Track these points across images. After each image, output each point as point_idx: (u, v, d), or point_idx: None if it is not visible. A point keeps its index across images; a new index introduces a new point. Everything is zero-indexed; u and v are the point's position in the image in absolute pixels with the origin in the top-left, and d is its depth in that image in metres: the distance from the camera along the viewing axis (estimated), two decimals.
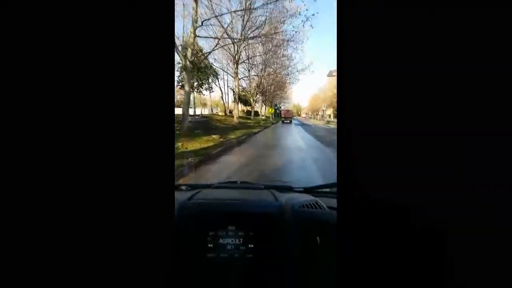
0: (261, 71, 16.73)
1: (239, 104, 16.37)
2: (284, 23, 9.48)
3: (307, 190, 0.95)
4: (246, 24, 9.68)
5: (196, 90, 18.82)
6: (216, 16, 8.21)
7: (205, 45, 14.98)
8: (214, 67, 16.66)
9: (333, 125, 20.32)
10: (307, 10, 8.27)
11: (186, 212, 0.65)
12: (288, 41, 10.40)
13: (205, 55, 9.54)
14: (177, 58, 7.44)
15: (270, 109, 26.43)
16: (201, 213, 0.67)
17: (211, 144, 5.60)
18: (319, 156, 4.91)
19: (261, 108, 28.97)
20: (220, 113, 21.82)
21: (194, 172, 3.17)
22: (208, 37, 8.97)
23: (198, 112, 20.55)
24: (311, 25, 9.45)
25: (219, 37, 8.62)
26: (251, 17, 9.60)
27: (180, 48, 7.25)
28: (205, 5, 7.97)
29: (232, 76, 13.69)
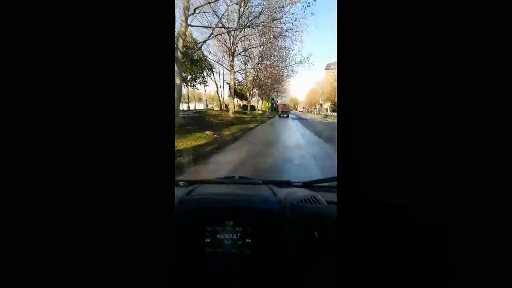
0: (258, 64, 16.01)
1: (235, 98, 15.90)
2: (283, 9, 8.65)
3: (306, 185, 0.93)
4: (242, 12, 9.09)
5: (189, 84, 18.21)
6: (209, 3, 7.57)
7: (200, 37, 14.21)
8: (209, 60, 16.03)
9: (331, 119, 20.19)
10: None
11: (184, 208, 0.65)
12: (286, 30, 9.69)
13: (199, 44, 8.93)
14: None
15: (267, 103, 25.89)
16: (199, 209, 0.66)
17: (203, 141, 5.17)
18: (319, 153, 4.58)
19: (258, 102, 28.42)
20: (215, 108, 21.27)
21: (183, 174, 2.79)
22: (201, 26, 8.21)
23: (192, 107, 20.05)
24: (312, 12, 8.91)
25: (213, 26, 8.04)
26: (248, 5, 9.01)
27: None
28: None
29: (228, 70, 12.90)
